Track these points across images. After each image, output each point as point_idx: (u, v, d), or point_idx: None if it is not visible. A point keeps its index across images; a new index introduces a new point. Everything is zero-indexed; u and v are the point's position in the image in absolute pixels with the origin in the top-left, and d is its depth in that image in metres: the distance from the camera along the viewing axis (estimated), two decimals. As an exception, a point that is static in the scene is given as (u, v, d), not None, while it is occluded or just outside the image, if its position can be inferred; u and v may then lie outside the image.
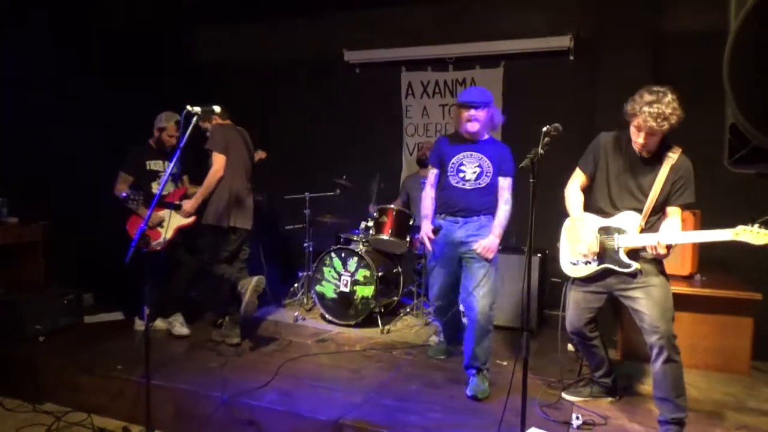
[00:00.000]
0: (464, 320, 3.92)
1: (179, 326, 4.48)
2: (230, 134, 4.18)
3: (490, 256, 3.48)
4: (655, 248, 2.77)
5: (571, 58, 5.17)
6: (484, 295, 3.47)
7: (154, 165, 4.50)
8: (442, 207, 3.67)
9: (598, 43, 4.91)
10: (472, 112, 3.47)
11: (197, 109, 3.06)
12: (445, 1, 5.58)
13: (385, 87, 5.98)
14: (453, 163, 3.59)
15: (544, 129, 2.54)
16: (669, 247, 2.77)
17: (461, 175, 3.58)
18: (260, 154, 4.76)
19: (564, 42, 5.07)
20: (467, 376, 3.56)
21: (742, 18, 1.17)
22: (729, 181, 3.04)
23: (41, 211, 5.02)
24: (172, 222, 4.28)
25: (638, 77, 4.38)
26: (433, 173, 3.72)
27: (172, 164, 3.24)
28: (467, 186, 3.57)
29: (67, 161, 5.16)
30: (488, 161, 3.55)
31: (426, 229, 3.62)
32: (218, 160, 4.04)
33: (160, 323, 4.55)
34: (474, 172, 3.56)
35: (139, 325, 4.60)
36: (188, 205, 4.16)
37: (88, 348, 4.11)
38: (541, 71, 5.31)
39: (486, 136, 3.64)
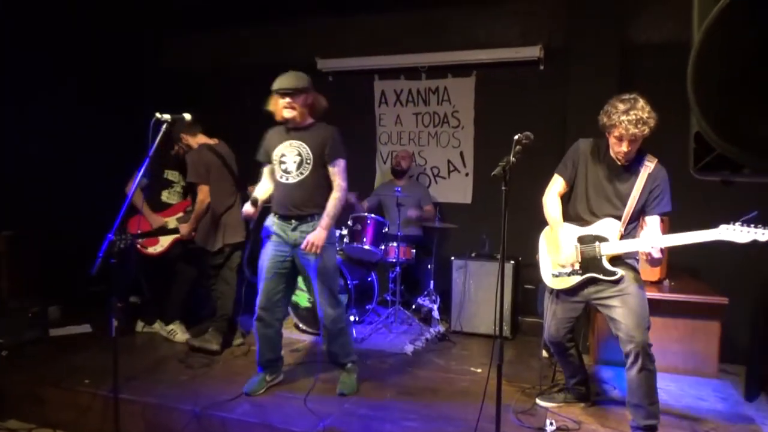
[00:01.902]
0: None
1: (180, 333, 4.56)
2: (208, 158, 4.25)
3: (315, 250, 3.25)
4: (650, 254, 2.79)
5: (542, 67, 5.24)
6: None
7: (170, 175, 4.68)
8: (274, 206, 3.47)
9: (567, 53, 4.99)
10: (288, 99, 3.32)
11: (167, 116, 3.03)
12: (418, 11, 5.62)
13: (359, 95, 5.98)
14: (275, 156, 3.43)
15: (516, 137, 2.56)
16: (662, 250, 2.80)
17: (283, 167, 3.40)
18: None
19: (534, 52, 5.13)
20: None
21: (705, 30, 1.20)
22: (698, 188, 3.10)
23: (5, 221, 4.88)
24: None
25: (607, 86, 4.48)
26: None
27: (141, 170, 3.15)
28: (290, 180, 3.39)
29: (33, 169, 5.04)
30: (308, 149, 3.38)
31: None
32: (202, 191, 4.20)
33: (158, 327, 4.71)
34: (295, 162, 3.39)
35: (140, 326, 4.78)
36: (184, 230, 4.32)
37: (54, 362, 4.01)
38: (512, 80, 5.37)
39: (309, 122, 3.46)
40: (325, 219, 3.32)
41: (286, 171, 3.40)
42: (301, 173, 3.37)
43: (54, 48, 5.28)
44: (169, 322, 4.63)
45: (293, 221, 3.39)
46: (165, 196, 4.66)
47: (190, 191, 4.77)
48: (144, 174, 3.11)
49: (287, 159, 3.40)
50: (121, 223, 2.92)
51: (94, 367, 3.73)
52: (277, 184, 3.45)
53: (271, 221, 3.48)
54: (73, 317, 4.96)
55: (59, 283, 5.04)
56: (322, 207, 3.35)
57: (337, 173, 3.38)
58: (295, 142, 3.40)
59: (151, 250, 4.50)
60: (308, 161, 3.37)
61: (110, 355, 2.96)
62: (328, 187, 3.41)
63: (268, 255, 3.45)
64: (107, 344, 2.96)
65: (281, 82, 3.36)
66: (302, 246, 3.28)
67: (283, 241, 3.42)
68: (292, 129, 3.44)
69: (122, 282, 4.66)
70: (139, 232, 4.42)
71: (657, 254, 2.78)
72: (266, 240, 3.48)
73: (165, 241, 4.49)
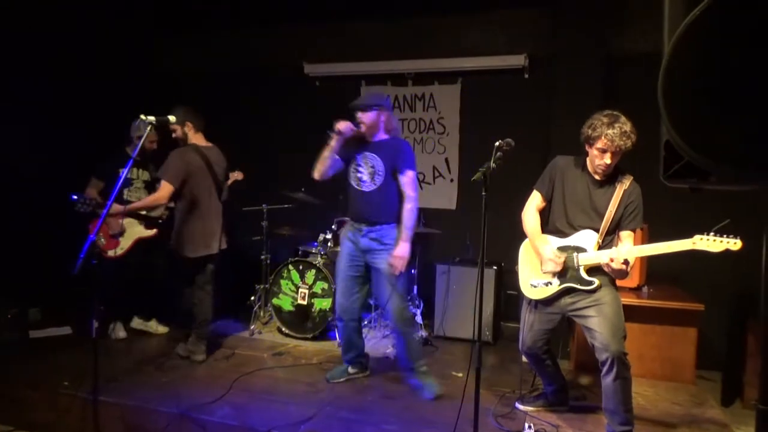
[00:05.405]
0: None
1: (155, 325, 4.81)
2: (191, 160, 4.00)
3: (401, 266, 3.51)
4: (608, 265, 2.84)
5: (527, 76, 5.30)
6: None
7: (127, 172, 4.44)
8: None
9: (552, 61, 5.05)
10: (359, 114, 3.63)
11: (151, 118, 3.05)
12: (406, 18, 5.66)
13: (345, 100, 5.95)
14: (351, 164, 3.67)
15: (497, 143, 2.62)
16: (627, 263, 2.84)
17: (358, 176, 3.64)
18: (236, 175, 4.86)
19: (519, 60, 5.20)
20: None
21: (673, 42, 1.25)
22: (685, 198, 3.16)
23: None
24: (133, 232, 4.48)
25: (591, 95, 4.55)
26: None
27: (125, 171, 3.19)
28: (364, 188, 3.62)
29: (12, 169, 4.99)
30: (380, 161, 3.59)
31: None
32: (164, 189, 3.90)
33: (138, 322, 4.82)
34: (369, 174, 3.61)
35: (138, 323, 4.84)
36: (114, 208, 3.70)
37: (33, 363, 3.97)
38: (497, 88, 5.42)
39: (383, 137, 3.69)
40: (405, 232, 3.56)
41: (361, 180, 3.67)
42: (375, 184, 3.62)
43: (53, 48, 5.25)
44: (149, 318, 4.79)
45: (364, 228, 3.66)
46: (126, 194, 4.58)
47: (154, 185, 4.62)
48: (129, 171, 3.09)
49: (363, 170, 3.69)
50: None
51: (74, 369, 3.70)
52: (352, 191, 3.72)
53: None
54: (53, 319, 4.92)
55: (40, 285, 4.98)
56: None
57: (407, 184, 3.60)
58: (371, 155, 3.68)
59: (111, 253, 4.38)
60: (380, 174, 3.62)
61: (90, 357, 2.94)
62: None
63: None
64: (87, 346, 2.94)
65: (360, 99, 3.73)
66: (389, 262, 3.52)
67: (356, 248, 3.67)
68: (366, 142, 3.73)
69: (104, 283, 4.59)
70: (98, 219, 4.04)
71: (617, 266, 2.83)
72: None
73: (125, 244, 4.46)
